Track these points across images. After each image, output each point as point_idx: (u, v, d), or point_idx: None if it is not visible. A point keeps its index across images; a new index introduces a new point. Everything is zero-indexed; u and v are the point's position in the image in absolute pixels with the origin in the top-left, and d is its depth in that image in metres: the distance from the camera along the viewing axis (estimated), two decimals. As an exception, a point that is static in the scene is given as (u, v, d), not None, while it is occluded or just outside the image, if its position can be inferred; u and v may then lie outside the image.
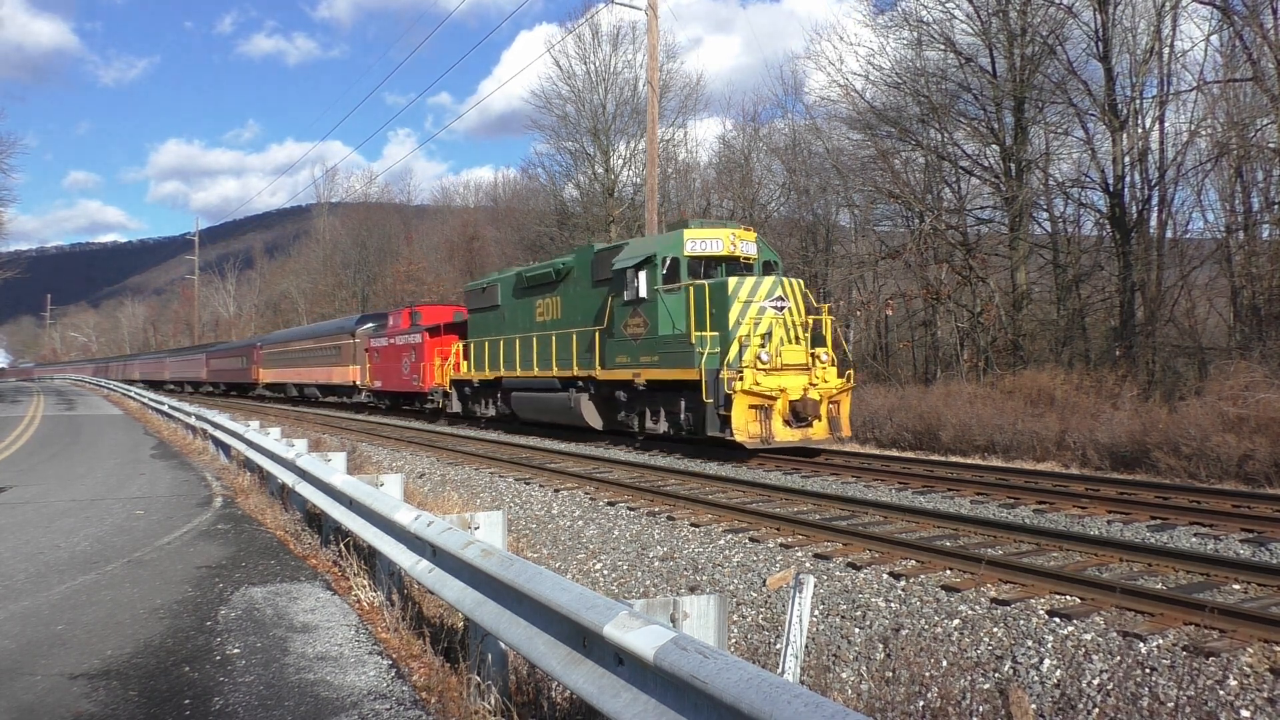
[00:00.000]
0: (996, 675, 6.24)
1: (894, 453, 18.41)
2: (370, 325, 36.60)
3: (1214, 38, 22.76)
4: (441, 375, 28.29)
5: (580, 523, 11.64)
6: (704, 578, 8.89)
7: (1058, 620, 6.61)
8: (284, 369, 46.31)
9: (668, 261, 17.34)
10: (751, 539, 9.67)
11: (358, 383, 36.20)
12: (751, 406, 15.24)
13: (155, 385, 73.86)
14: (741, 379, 15.24)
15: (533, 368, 22.40)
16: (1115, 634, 6.27)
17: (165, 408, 29.12)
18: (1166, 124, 23.57)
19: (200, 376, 63.89)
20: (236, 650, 5.85)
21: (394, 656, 5.76)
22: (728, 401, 15.26)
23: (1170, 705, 5.50)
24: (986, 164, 26.70)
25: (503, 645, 4.94)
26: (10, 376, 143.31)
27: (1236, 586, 7.19)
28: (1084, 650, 6.18)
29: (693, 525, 10.56)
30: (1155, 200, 23.62)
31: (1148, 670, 5.83)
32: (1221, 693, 5.48)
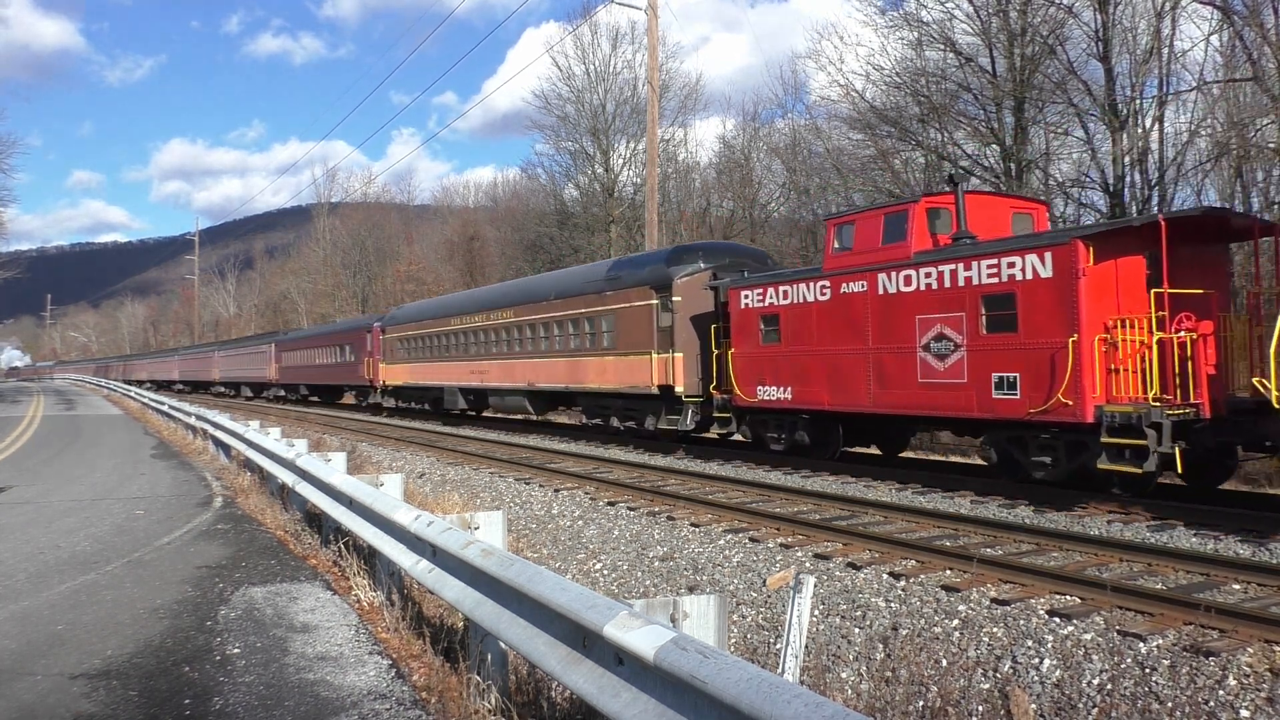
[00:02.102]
0: (996, 675, 6.24)
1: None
2: (722, 263, 18.12)
3: (1214, 38, 22.77)
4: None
5: (580, 523, 11.65)
6: (704, 578, 8.89)
7: (1057, 620, 6.61)
8: (440, 363, 27.74)
9: None
10: (751, 539, 9.67)
11: (679, 388, 17.39)
12: None
13: (199, 388, 61.23)
14: None
15: None
16: (1115, 634, 6.27)
17: (165, 408, 29.11)
18: (1166, 124, 23.59)
19: (266, 377, 46.88)
20: (236, 650, 5.86)
21: (394, 656, 5.76)
22: None
23: (1170, 705, 5.50)
24: (987, 164, 26.68)
25: (503, 645, 4.95)
26: (27, 376, 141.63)
27: (1236, 586, 7.20)
28: (1084, 650, 6.19)
29: (693, 525, 10.56)
30: (1155, 200, 23.59)
31: (1147, 670, 5.83)
32: (1221, 692, 5.48)
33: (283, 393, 46.39)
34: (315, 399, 43.05)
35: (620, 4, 25.43)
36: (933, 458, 17.39)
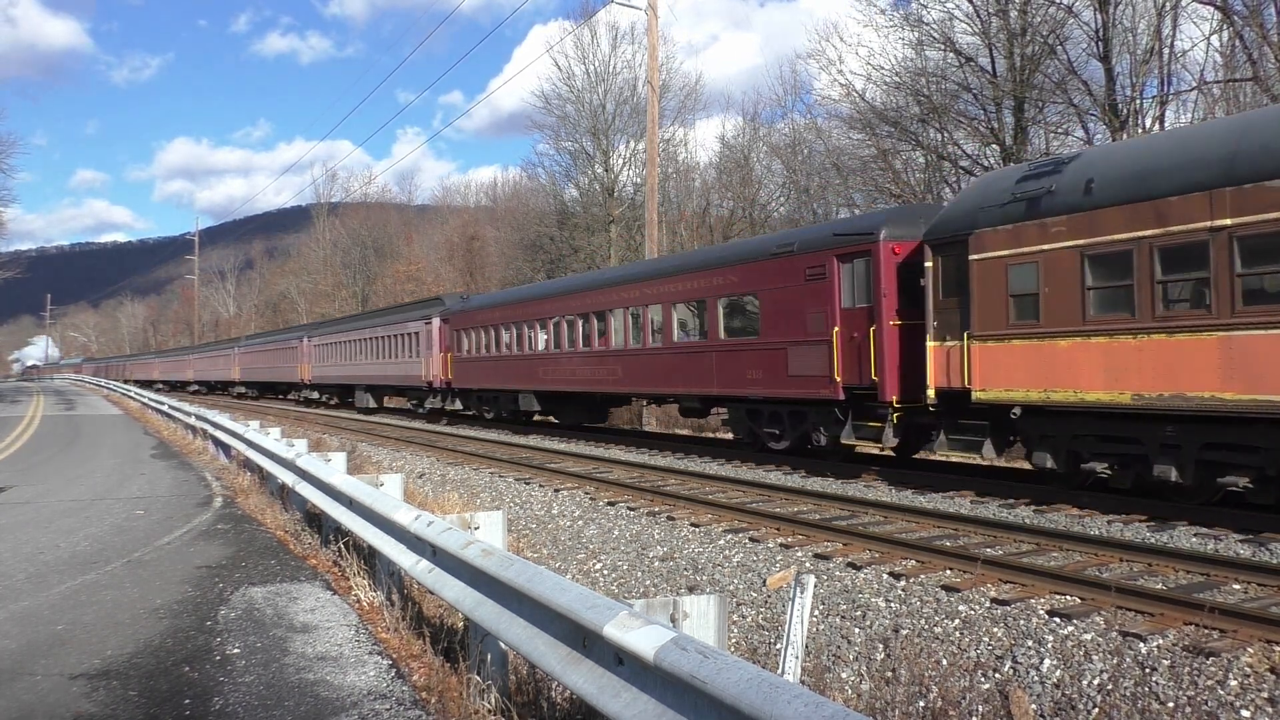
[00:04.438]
0: (996, 675, 6.24)
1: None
2: None
3: (1214, 38, 22.77)
4: None
5: (580, 523, 11.64)
6: (704, 578, 8.89)
7: (1058, 620, 6.61)
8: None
9: None
10: (751, 539, 9.66)
11: None
12: None
13: (270, 391, 48.60)
14: None
15: None
16: (1115, 634, 6.27)
17: (165, 408, 29.13)
18: (1167, 124, 23.57)
19: (419, 376, 28.76)
20: (236, 650, 5.85)
21: (394, 656, 5.76)
22: None
23: (1170, 705, 5.50)
24: (987, 164, 26.69)
25: (503, 645, 4.94)
26: (28, 376, 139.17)
27: (1237, 586, 7.19)
28: (1084, 650, 6.18)
29: (693, 525, 10.56)
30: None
31: (1148, 670, 5.82)
32: (1221, 693, 5.47)
33: (459, 405, 27.39)
34: (541, 416, 23.32)
35: (620, 4, 25.43)
36: None
